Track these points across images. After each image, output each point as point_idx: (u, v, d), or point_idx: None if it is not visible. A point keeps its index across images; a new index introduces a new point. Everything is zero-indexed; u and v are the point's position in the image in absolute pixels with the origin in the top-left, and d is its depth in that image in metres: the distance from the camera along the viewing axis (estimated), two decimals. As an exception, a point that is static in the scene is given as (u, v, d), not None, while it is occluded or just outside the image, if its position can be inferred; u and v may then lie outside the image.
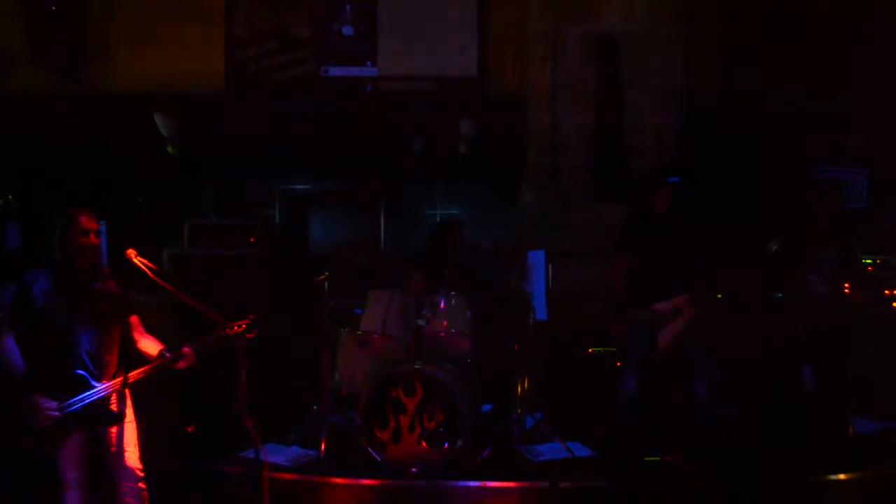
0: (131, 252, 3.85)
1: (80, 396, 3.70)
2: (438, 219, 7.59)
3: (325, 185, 7.75)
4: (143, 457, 3.96)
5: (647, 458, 4.91)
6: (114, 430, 3.86)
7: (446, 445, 4.87)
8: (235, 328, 3.80)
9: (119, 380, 3.80)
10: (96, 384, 3.73)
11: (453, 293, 5.62)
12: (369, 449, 4.92)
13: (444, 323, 5.49)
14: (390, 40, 7.48)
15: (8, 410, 3.76)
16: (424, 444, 4.90)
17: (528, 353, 5.66)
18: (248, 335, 3.79)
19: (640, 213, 5.75)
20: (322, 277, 5.85)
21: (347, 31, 7.52)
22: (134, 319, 4.02)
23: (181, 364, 3.86)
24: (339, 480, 4.84)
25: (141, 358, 3.96)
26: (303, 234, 7.80)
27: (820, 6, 7.56)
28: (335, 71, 7.56)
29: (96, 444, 3.85)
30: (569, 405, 5.77)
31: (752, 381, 5.67)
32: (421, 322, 5.52)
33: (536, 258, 5.94)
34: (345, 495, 4.83)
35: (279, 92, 7.54)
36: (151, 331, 4.06)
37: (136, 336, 4.00)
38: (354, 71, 7.54)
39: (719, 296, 5.53)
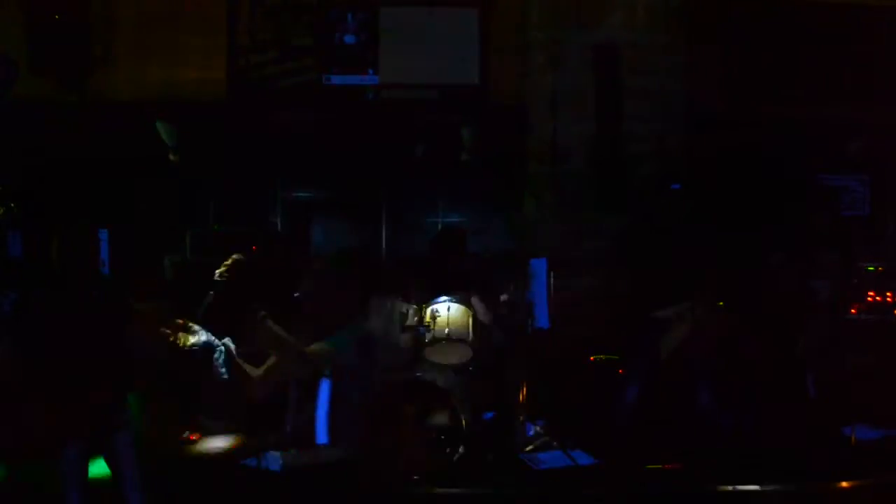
0: None
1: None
2: (440, 226, 7.60)
3: (327, 192, 7.76)
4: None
5: (649, 466, 4.90)
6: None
7: (448, 453, 4.87)
8: None
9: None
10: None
11: (455, 301, 5.62)
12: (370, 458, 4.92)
13: (446, 330, 5.48)
14: (392, 48, 7.50)
15: (8, 420, 3.76)
16: (426, 451, 4.89)
17: (530, 361, 5.66)
18: None
19: (641, 221, 5.76)
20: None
21: (349, 39, 7.54)
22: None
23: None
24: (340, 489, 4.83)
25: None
26: (305, 241, 7.80)
27: (819, 13, 7.58)
28: (337, 79, 7.57)
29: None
30: (571, 413, 5.76)
31: (754, 388, 5.66)
32: (422, 329, 5.52)
33: (538, 266, 5.94)
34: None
35: (281, 100, 7.56)
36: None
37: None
38: (356, 79, 7.55)
39: (721, 303, 5.53)
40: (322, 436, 3.54)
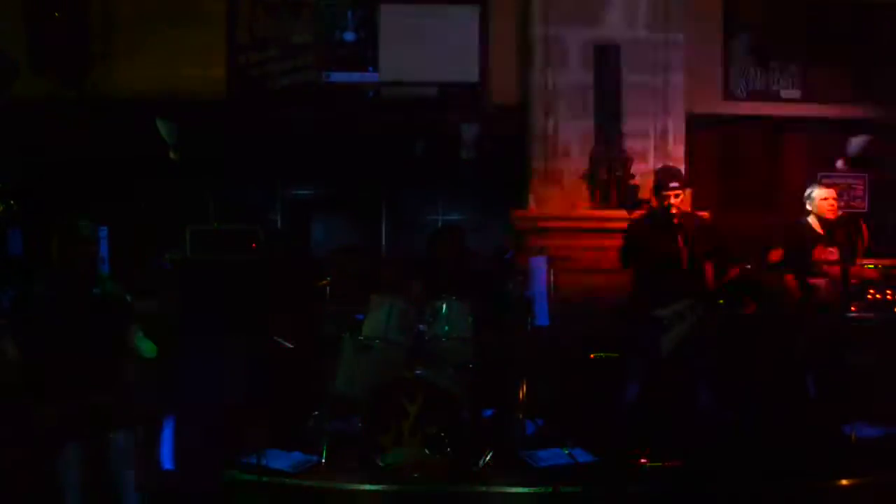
0: None
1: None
2: (440, 224, 7.60)
3: (327, 190, 7.76)
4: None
5: (649, 464, 4.90)
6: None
7: (448, 451, 4.87)
8: None
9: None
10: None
11: (454, 298, 5.62)
12: (371, 454, 4.92)
13: (446, 328, 5.49)
14: (392, 46, 7.50)
15: (5, 418, 3.76)
16: (426, 449, 4.89)
17: (530, 359, 5.66)
18: None
19: (641, 218, 5.76)
20: (323, 282, 5.85)
21: (349, 36, 7.54)
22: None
23: None
24: (340, 486, 4.84)
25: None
26: (305, 239, 7.81)
27: (821, 12, 7.58)
28: (337, 76, 7.57)
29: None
30: (571, 410, 5.76)
31: (755, 386, 5.66)
32: (422, 327, 5.53)
33: (538, 263, 5.94)
34: (346, 501, 4.82)
35: (281, 97, 7.55)
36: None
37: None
38: (356, 77, 7.55)
39: (721, 301, 5.53)
40: (167, 461, 3.20)
